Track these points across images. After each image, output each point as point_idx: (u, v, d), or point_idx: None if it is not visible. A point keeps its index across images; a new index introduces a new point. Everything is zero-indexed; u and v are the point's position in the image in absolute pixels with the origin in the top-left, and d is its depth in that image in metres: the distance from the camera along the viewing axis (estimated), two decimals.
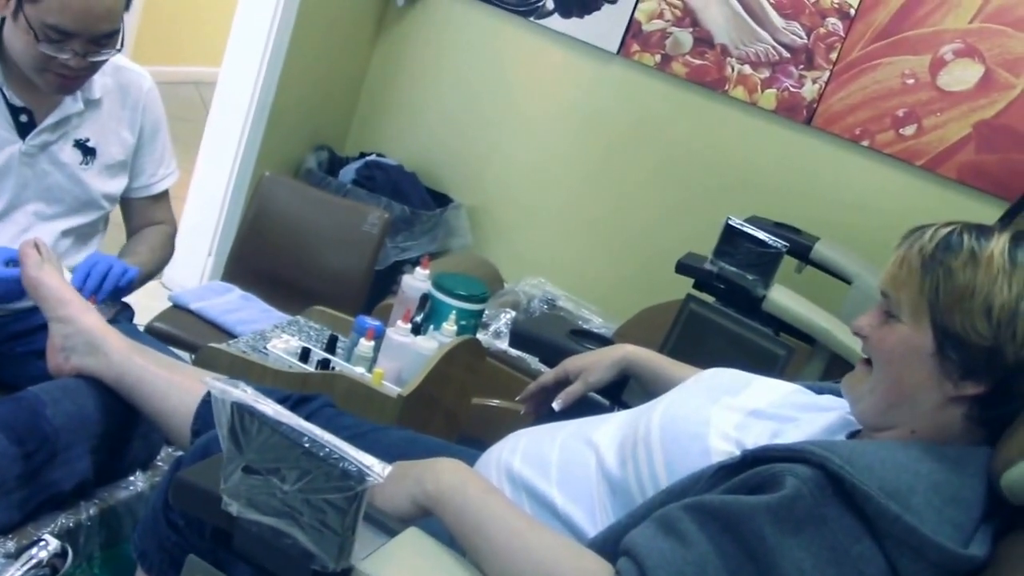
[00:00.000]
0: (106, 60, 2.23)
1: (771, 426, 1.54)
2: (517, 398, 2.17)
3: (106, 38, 2.18)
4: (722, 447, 1.48)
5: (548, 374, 2.13)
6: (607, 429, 1.65)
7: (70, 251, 2.39)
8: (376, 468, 1.17)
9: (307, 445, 1.19)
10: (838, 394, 1.66)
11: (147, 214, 2.60)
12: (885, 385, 1.46)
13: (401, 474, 1.45)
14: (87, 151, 2.36)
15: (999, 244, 1.40)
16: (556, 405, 2.05)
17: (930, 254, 1.42)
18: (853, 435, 1.54)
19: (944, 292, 1.40)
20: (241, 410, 1.21)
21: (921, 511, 1.27)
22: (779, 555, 1.25)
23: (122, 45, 2.23)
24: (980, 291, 1.38)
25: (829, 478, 1.29)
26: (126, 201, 2.56)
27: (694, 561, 1.27)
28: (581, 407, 2.05)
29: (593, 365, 2.06)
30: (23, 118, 2.24)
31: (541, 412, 2.13)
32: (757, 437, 1.50)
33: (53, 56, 2.13)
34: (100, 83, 2.34)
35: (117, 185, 2.46)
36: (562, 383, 2.08)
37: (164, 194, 2.62)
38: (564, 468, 1.61)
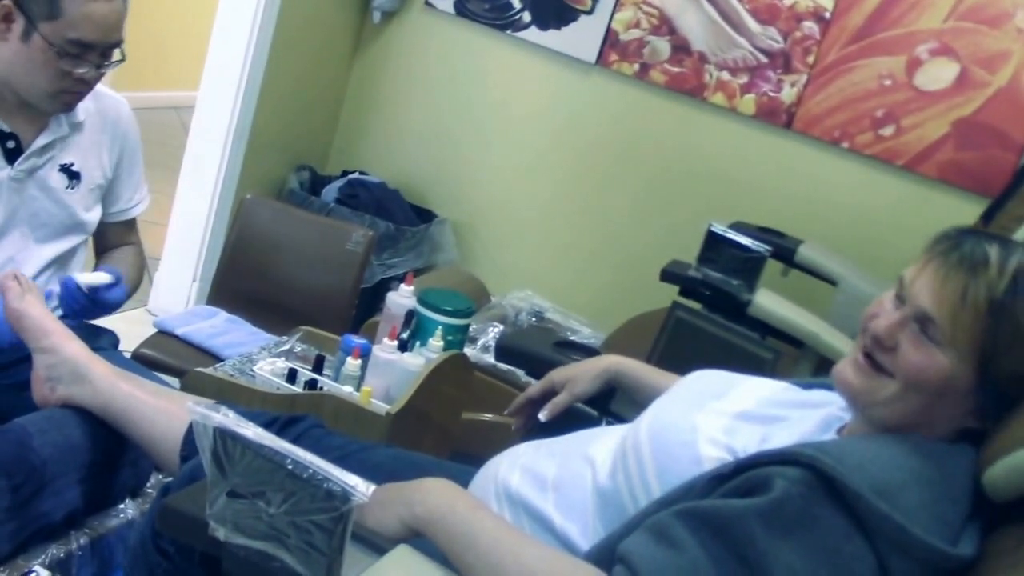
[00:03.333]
0: (111, 70, 2.28)
1: (760, 428, 1.53)
2: (505, 412, 2.18)
3: (116, 47, 2.23)
4: (712, 453, 1.48)
5: (534, 386, 2.14)
6: (604, 443, 1.65)
7: (53, 278, 2.39)
8: (360, 487, 1.17)
9: (290, 467, 1.18)
10: (827, 387, 1.65)
11: (120, 237, 2.63)
12: (912, 407, 1.43)
13: (388, 498, 1.44)
14: (72, 175, 2.36)
15: None
16: (542, 416, 2.05)
17: (1000, 298, 1.37)
18: (840, 429, 1.54)
19: (1005, 345, 1.37)
20: (223, 435, 1.21)
21: (911, 508, 1.28)
22: (770, 558, 1.25)
23: (124, 55, 2.27)
24: None
25: (819, 478, 1.29)
26: (100, 225, 2.57)
27: (686, 566, 1.27)
28: (569, 419, 2.06)
29: (578, 376, 2.07)
30: (10, 144, 2.24)
31: (530, 425, 2.14)
32: (746, 440, 1.49)
33: (69, 72, 2.17)
34: (83, 106, 2.35)
35: (98, 209, 2.46)
36: (548, 395, 2.09)
37: (135, 220, 2.65)
38: (560, 485, 1.61)
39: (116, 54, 2.25)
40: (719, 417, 1.56)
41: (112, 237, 2.61)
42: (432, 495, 1.44)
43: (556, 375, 2.10)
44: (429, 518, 1.41)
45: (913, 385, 1.41)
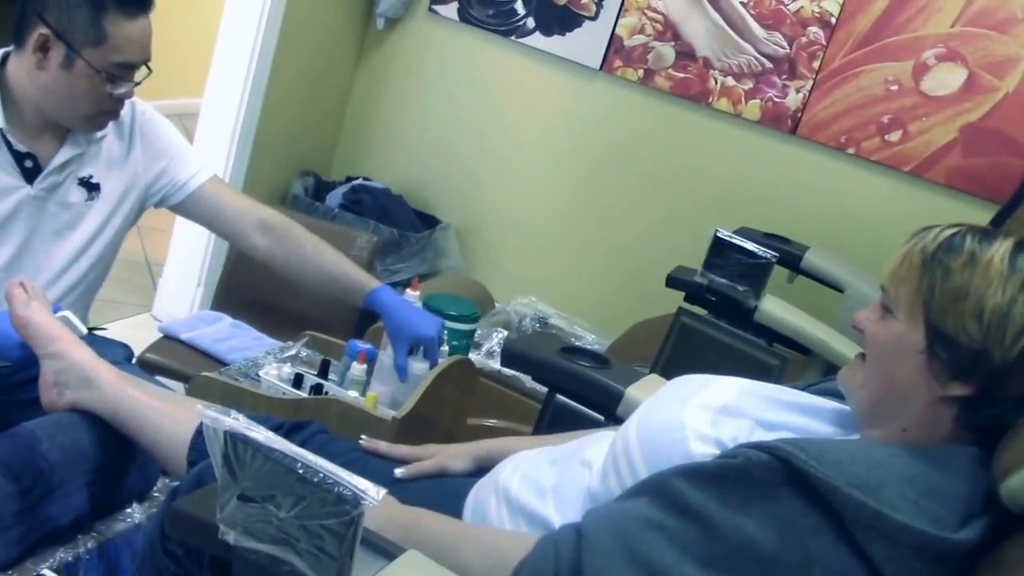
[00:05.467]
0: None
1: (746, 422, 1.53)
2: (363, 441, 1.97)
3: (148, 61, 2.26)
4: (703, 449, 1.48)
5: (407, 450, 1.95)
6: (601, 446, 1.66)
7: (81, 293, 2.41)
8: (371, 492, 1.17)
9: (301, 471, 1.18)
10: (829, 394, 1.65)
11: (210, 208, 2.55)
12: (876, 380, 1.47)
13: None
14: (92, 188, 2.35)
15: (1001, 249, 1.41)
16: (399, 473, 1.86)
17: (931, 253, 1.43)
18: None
19: (940, 292, 1.40)
20: (234, 438, 1.21)
21: (892, 501, 1.27)
22: (710, 509, 1.31)
23: (150, 68, 2.30)
24: (974, 293, 1.38)
25: (790, 471, 1.30)
26: (182, 210, 2.55)
27: (633, 517, 1.33)
28: (577, 424, 2.05)
29: (452, 453, 1.92)
30: (27, 163, 2.24)
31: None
32: (735, 431, 1.49)
33: (111, 93, 2.20)
34: None
35: (122, 215, 2.46)
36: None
37: (215, 182, 2.57)
38: (559, 490, 1.61)
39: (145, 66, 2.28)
40: (703, 411, 1.55)
41: (207, 211, 2.55)
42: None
43: (424, 450, 1.93)
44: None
45: (875, 357, 1.47)
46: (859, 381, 1.50)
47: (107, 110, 2.25)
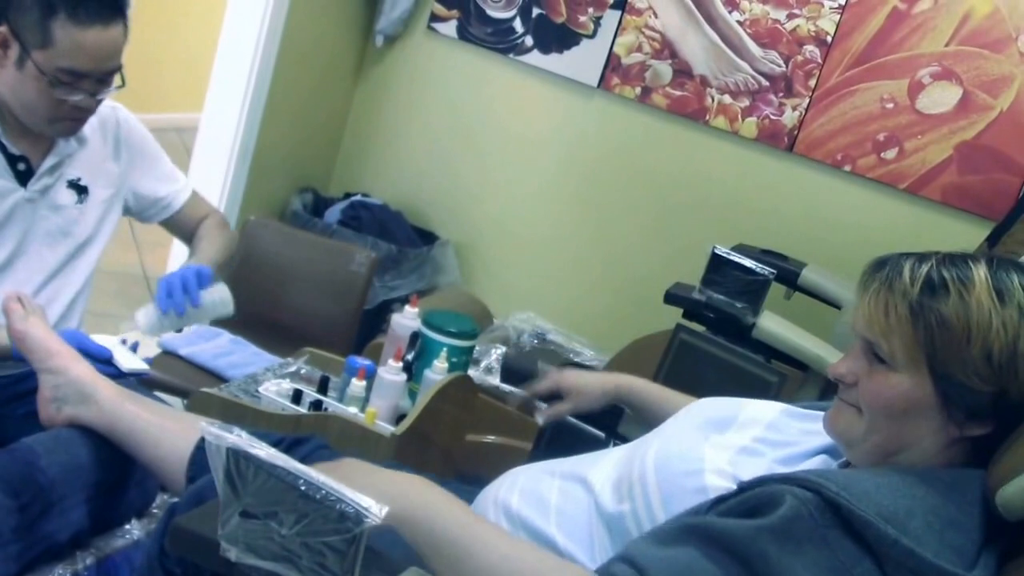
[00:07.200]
0: (109, 95, 2.27)
1: (764, 460, 1.54)
2: (513, 404, 2.21)
3: (112, 75, 2.22)
4: (719, 483, 1.48)
5: (544, 383, 2.19)
6: (602, 467, 1.66)
7: (73, 298, 2.41)
8: (374, 509, 1.17)
9: (303, 488, 1.18)
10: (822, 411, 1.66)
11: (187, 223, 2.69)
12: (884, 436, 1.43)
13: (362, 483, 1.43)
14: (80, 190, 2.36)
15: (981, 281, 1.38)
16: (539, 420, 2.13)
17: (917, 300, 1.39)
18: (846, 463, 1.54)
19: (940, 341, 1.37)
20: (236, 455, 1.21)
21: (920, 535, 1.27)
22: (782, 574, 1.25)
23: (124, 82, 2.26)
24: (977, 337, 1.36)
25: (827, 503, 1.29)
26: (163, 224, 2.67)
27: (698, 571, 1.27)
28: (576, 440, 2.05)
29: (585, 389, 2.12)
30: (20, 166, 2.25)
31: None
32: (753, 470, 1.50)
33: (64, 100, 2.17)
34: (88, 122, 2.35)
35: (110, 221, 2.47)
36: (554, 396, 2.15)
37: (192, 199, 2.68)
38: (562, 509, 1.61)
39: (117, 79, 2.25)
40: (724, 451, 1.56)
41: (183, 226, 2.69)
42: (411, 494, 1.41)
43: (565, 381, 2.15)
44: (403, 516, 1.37)
45: (879, 412, 1.43)
46: (859, 434, 1.46)
47: (65, 116, 2.22)
